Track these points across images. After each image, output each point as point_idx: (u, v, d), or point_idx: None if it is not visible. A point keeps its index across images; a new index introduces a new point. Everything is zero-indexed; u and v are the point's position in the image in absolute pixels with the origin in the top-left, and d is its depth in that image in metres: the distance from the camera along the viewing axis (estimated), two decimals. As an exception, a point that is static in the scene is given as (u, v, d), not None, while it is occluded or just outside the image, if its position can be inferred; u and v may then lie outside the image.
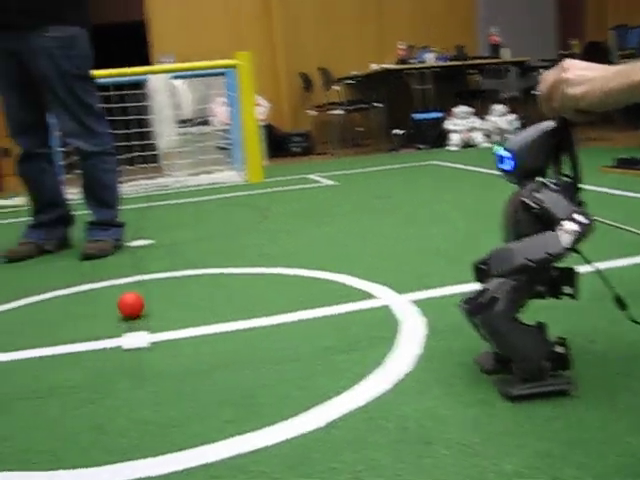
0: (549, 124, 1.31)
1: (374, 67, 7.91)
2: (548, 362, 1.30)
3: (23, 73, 3.03)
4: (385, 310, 1.92)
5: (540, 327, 1.32)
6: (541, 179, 1.30)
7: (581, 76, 1.19)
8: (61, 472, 1.19)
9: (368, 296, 2.07)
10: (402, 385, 1.41)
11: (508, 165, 1.33)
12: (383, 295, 2.06)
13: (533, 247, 1.25)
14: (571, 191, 1.29)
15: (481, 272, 1.35)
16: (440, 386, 1.39)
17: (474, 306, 1.30)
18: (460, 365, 1.48)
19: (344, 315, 1.91)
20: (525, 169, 1.32)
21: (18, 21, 2.93)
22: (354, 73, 8.16)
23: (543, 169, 1.32)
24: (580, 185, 1.30)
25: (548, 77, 1.25)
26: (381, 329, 1.76)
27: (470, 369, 1.45)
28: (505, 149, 1.34)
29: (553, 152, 1.32)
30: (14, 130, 3.15)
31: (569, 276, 1.33)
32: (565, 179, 1.31)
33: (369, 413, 1.30)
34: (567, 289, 1.33)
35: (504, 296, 1.26)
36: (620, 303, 1.35)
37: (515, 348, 1.29)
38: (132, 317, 2.05)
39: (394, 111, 8.01)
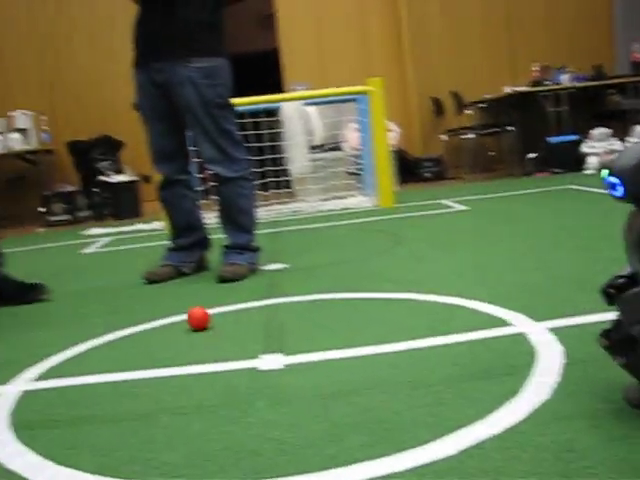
0: None
1: (507, 90, 7.79)
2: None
3: (167, 103, 3.19)
4: (520, 338, 1.88)
5: None
6: None
7: None
8: (201, 487, 1.24)
9: (502, 323, 2.03)
10: (538, 415, 1.37)
11: (619, 192, 1.22)
12: (518, 322, 2.02)
13: None
14: None
15: (610, 296, 1.30)
16: (580, 417, 1.34)
17: (616, 346, 1.25)
18: (601, 396, 1.43)
19: (478, 342, 1.89)
20: (638, 194, 1.21)
21: (166, 53, 3.10)
22: (486, 96, 8.06)
23: None
24: None
25: None
26: (516, 357, 1.73)
27: (612, 401, 1.39)
28: (612, 174, 1.23)
29: None
30: (156, 158, 3.32)
31: None
32: None
33: (504, 442, 1.27)
34: None
35: None
36: None
37: None
38: (199, 328, 2.30)
39: (527, 134, 7.84)
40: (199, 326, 2.30)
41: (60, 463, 1.39)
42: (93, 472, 1.34)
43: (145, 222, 6.36)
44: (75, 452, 1.44)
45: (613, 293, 1.30)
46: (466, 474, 1.17)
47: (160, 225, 5.80)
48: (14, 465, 1.40)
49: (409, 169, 8.28)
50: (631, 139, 7.06)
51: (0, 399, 1.83)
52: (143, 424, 1.56)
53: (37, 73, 8.60)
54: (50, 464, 1.39)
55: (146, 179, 8.13)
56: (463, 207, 5.11)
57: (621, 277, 1.32)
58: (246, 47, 10.61)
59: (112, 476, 1.31)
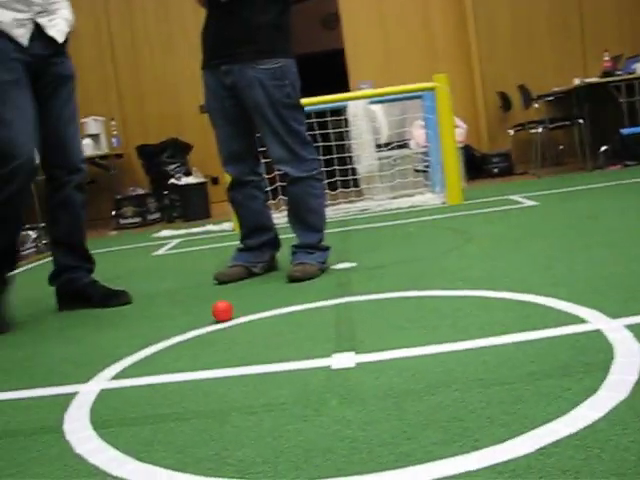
0: None
1: (577, 82, 7.61)
2: None
3: (235, 105, 3.22)
4: (596, 335, 1.84)
5: None
6: None
7: None
8: (276, 484, 1.25)
9: (577, 320, 1.99)
10: (618, 414, 1.34)
11: None
12: (593, 319, 1.97)
13: None
14: None
15: None
16: (661, 416, 1.30)
17: None
18: (683, 395, 1.38)
19: (552, 339, 1.85)
20: None
21: (234, 55, 3.13)
22: (555, 89, 7.90)
23: None
24: None
25: None
26: (593, 354, 1.69)
27: (695, 399, 1.35)
28: None
29: None
30: (226, 159, 3.35)
31: None
32: None
33: (583, 442, 1.24)
34: None
35: None
36: None
37: None
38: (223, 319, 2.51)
39: (599, 127, 7.65)
40: (223, 318, 2.52)
41: (139, 459, 1.42)
42: (170, 468, 1.36)
43: (214, 223, 6.45)
44: (152, 448, 1.47)
45: None
46: (544, 473, 1.15)
47: (229, 226, 5.88)
48: (96, 460, 1.44)
49: (477, 165, 8.17)
50: None
51: (80, 397, 1.88)
52: (216, 422, 1.58)
53: (106, 80, 8.81)
54: (129, 459, 1.43)
55: (214, 181, 8.25)
56: (533, 203, 5.02)
57: None
58: (311, 47, 10.66)
59: (189, 472, 1.33)
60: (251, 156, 3.37)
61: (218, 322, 2.51)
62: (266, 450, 1.39)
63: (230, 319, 2.52)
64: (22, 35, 2.83)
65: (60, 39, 2.95)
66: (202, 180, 7.87)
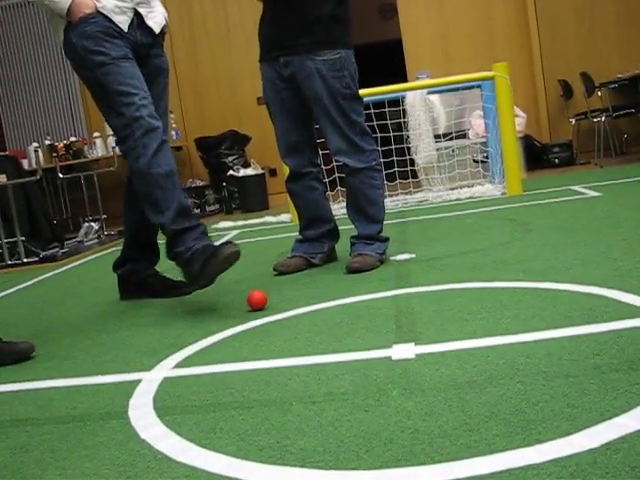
0: None
1: (642, 68, 7.41)
2: None
3: (294, 97, 3.24)
4: (664, 328, 1.79)
5: None
6: None
7: None
8: (331, 473, 1.26)
9: (644, 313, 1.94)
10: (688, 409, 1.31)
11: None
12: (661, 312, 1.93)
13: None
14: None
15: None
16: None
17: None
18: None
19: (618, 332, 1.81)
20: None
21: (293, 47, 3.15)
22: (619, 76, 7.70)
23: None
24: None
25: None
26: (661, 348, 1.65)
27: None
28: None
29: None
30: (284, 151, 3.37)
31: None
32: None
33: (651, 437, 1.22)
34: None
35: None
36: None
37: None
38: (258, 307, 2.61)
39: (666, 114, 7.44)
40: (258, 305, 2.62)
41: (202, 446, 1.45)
42: (232, 455, 1.38)
43: (273, 215, 6.49)
44: (215, 436, 1.49)
45: None
46: (611, 469, 1.13)
47: (287, 217, 5.91)
48: (160, 446, 1.48)
49: (537, 155, 8.03)
50: None
51: (144, 385, 1.92)
52: (277, 411, 1.59)
53: (167, 73, 8.91)
54: (192, 446, 1.45)
55: (272, 172, 8.30)
56: (596, 193, 4.91)
57: None
58: (369, 38, 10.62)
59: (250, 460, 1.35)
60: (309, 148, 3.38)
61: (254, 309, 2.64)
62: (327, 439, 1.40)
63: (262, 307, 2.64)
64: (123, 21, 2.89)
65: (157, 30, 3.02)
66: (260, 172, 7.92)
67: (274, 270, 3.32)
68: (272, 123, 3.38)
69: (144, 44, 2.96)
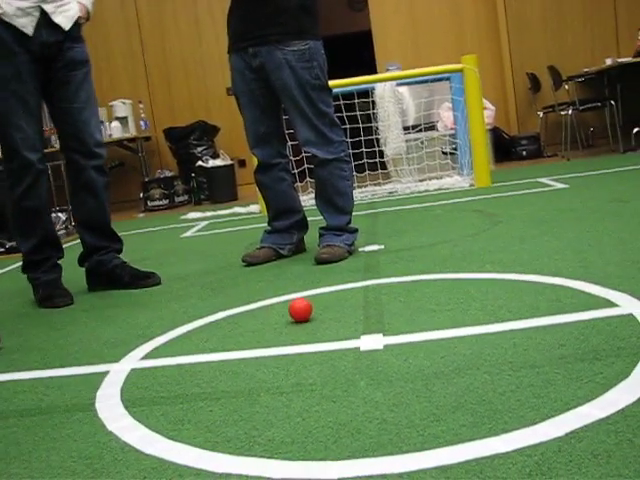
0: None
1: (608, 62, 7.49)
2: None
3: (262, 88, 3.22)
4: (628, 318, 1.82)
5: None
6: None
7: None
8: (298, 463, 1.26)
9: (608, 304, 1.97)
10: (650, 398, 1.33)
11: None
12: (625, 303, 1.96)
13: None
14: None
15: None
16: (694, 401, 1.29)
17: None
18: None
19: (583, 323, 1.84)
20: None
21: (262, 37, 3.13)
22: (586, 70, 7.78)
23: None
24: None
25: None
26: (625, 339, 1.67)
27: None
28: None
29: None
30: (253, 142, 3.36)
31: None
32: None
33: (614, 426, 1.23)
34: None
35: None
36: None
37: None
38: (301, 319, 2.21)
39: (631, 108, 7.53)
40: (301, 318, 2.21)
41: (169, 437, 1.44)
42: (200, 447, 1.38)
43: (241, 205, 6.47)
44: (182, 427, 1.49)
45: None
46: (575, 457, 1.14)
47: (256, 208, 5.89)
48: (128, 438, 1.47)
49: (505, 148, 8.10)
50: None
51: (112, 376, 1.91)
52: (245, 402, 1.59)
53: (134, 63, 8.83)
54: (160, 438, 1.45)
55: (242, 163, 8.27)
56: (563, 185, 4.97)
57: None
58: (338, 29, 10.60)
59: (219, 451, 1.35)
60: (278, 138, 3.37)
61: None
62: (295, 430, 1.40)
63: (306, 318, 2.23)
64: (26, 25, 2.85)
65: (66, 26, 2.96)
66: (229, 163, 7.89)
67: (243, 261, 3.32)
68: (241, 114, 3.36)
69: (52, 43, 2.93)
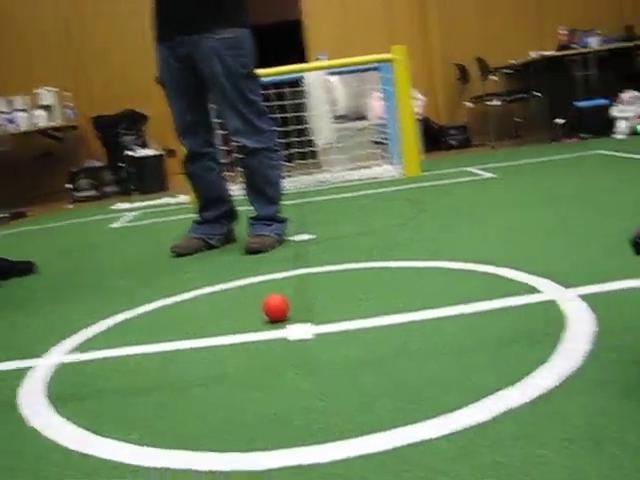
0: None
1: (533, 55, 7.66)
2: None
3: (190, 77, 3.18)
4: (551, 305, 1.86)
5: None
6: None
7: None
8: (227, 455, 1.25)
9: (532, 290, 2.02)
10: (570, 382, 1.36)
11: None
12: (548, 289, 2.01)
13: None
14: None
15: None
16: (611, 384, 1.33)
17: None
18: (633, 363, 1.41)
19: (508, 309, 1.88)
20: None
21: (189, 26, 3.08)
22: (512, 62, 7.94)
23: None
24: None
25: None
26: (547, 324, 1.71)
27: (644, 366, 1.38)
28: None
29: None
30: (180, 131, 3.32)
31: None
32: None
33: (535, 409, 1.27)
34: None
35: None
36: None
37: None
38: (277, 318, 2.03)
39: (555, 99, 7.71)
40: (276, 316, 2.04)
41: (95, 432, 1.41)
42: (124, 441, 1.35)
43: (171, 196, 6.39)
44: (108, 422, 1.46)
45: None
46: (498, 440, 1.17)
47: (186, 198, 5.83)
48: (51, 434, 1.43)
49: (435, 137, 8.20)
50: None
51: (36, 371, 1.86)
52: (171, 395, 1.57)
53: (60, 50, 8.61)
54: (85, 433, 1.42)
55: (171, 153, 8.16)
56: (490, 175, 5.06)
57: None
58: (269, 18, 10.54)
59: (147, 445, 1.33)
60: (206, 128, 3.33)
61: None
62: (222, 422, 1.39)
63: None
64: None
65: None
66: (159, 152, 7.78)
67: (172, 252, 3.28)
68: (168, 103, 3.31)
69: None
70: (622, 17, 8.24)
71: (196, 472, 1.20)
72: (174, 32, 3.12)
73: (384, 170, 6.09)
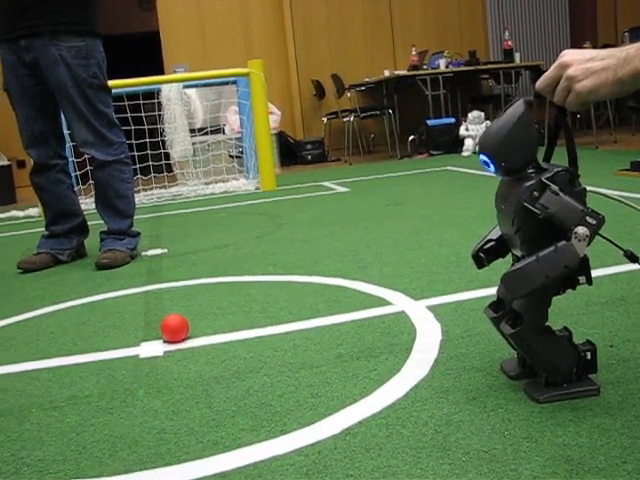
0: (519, 107, 1.20)
1: (386, 74, 7.91)
2: (575, 367, 1.29)
3: (37, 84, 3.04)
4: (400, 316, 1.91)
5: (569, 334, 1.30)
6: (540, 177, 1.21)
7: (586, 70, 1.13)
8: (77, 482, 1.19)
9: (383, 302, 2.06)
10: (419, 391, 1.40)
11: (492, 169, 1.23)
12: (398, 301, 2.06)
13: (549, 263, 1.19)
14: (573, 185, 1.21)
15: (480, 260, 1.34)
16: (457, 392, 1.37)
17: (501, 317, 1.30)
18: (477, 370, 1.47)
19: (359, 322, 1.90)
20: (510, 169, 1.23)
21: (35, 30, 2.94)
22: (366, 80, 8.16)
23: (531, 161, 1.23)
24: (578, 173, 1.22)
25: (548, 75, 1.21)
26: (398, 335, 1.75)
27: (488, 374, 1.44)
28: (482, 153, 1.24)
29: (535, 139, 1.21)
30: (27, 142, 3.16)
31: (582, 265, 1.24)
32: (559, 169, 1.22)
33: (386, 420, 1.29)
34: (582, 278, 1.26)
35: (530, 311, 1.25)
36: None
37: (546, 360, 1.28)
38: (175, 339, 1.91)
39: (407, 117, 8.00)
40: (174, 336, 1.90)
41: None
42: (-40, 472, 1.26)
43: (19, 209, 6.09)
44: (-60, 452, 1.36)
45: (483, 257, 1.34)
46: (349, 453, 1.18)
47: (36, 212, 5.58)
48: None
49: (291, 152, 8.29)
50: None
51: None
52: (13, 420, 1.48)
53: None
54: None
55: (20, 164, 7.79)
56: (344, 189, 5.16)
57: (491, 241, 1.36)
58: (126, 28, 10.32)
59: (-19, 475, 1.24)
60: (55, 138, 3.19)
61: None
62: (69, 447, 1.32)
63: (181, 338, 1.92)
64: None
65: None
66: (6, 163, 7.42)
67: (18, 268, 3.11)
68: (14, 111, 3.15)
69: None
70: (466, 42, 8.69)
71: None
72: (18, 34, 2.96)
73: (240, 184, 6.09)
